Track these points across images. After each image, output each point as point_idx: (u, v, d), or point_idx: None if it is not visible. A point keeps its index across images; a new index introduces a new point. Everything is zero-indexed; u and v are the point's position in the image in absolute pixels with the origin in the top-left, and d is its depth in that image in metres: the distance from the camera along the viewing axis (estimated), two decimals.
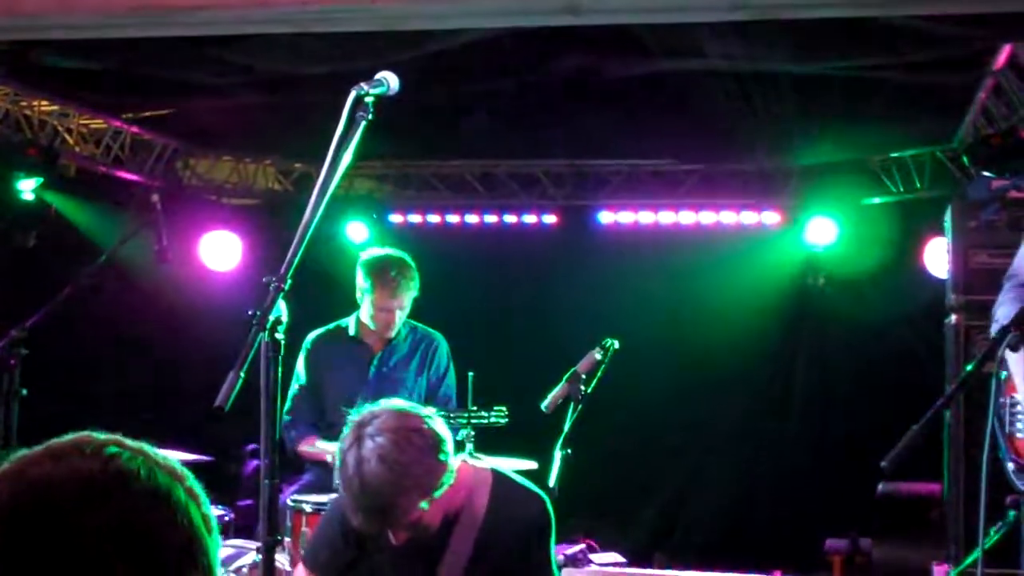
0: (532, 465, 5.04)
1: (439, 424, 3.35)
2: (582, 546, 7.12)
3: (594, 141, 8.96)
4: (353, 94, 3.03)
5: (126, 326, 9.12)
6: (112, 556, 1.31)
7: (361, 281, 5.58)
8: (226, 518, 5.61)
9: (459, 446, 4.62)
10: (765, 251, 9.45)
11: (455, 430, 4.64)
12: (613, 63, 7.02)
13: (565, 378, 4.61)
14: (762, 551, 8.42)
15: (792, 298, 9.47)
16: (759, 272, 9.42)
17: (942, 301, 6.56)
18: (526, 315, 9.49)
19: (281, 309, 2.86)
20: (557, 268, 9.65)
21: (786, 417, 9.45)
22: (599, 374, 4.63)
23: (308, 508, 4.79)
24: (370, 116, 3.02)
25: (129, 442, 1.42)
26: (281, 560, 4.62)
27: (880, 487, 7.22)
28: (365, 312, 5.63)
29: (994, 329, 3.63)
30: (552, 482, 4.35)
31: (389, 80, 3.09)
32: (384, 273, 5.51)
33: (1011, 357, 3.22)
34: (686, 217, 9.58)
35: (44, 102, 8.35)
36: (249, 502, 7.47)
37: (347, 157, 3.00)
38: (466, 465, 3.51)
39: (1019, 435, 3.62)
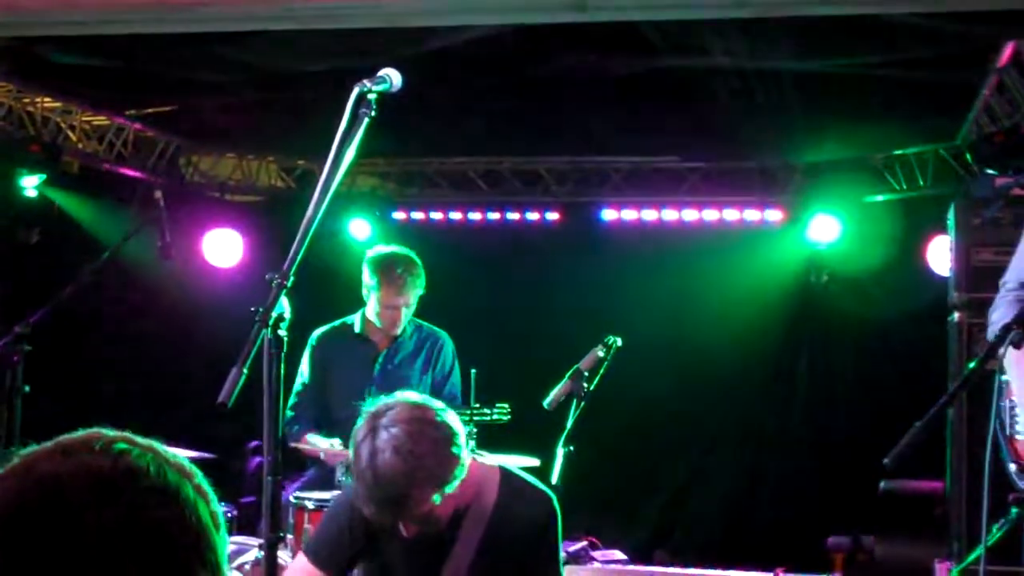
0: (535, 462, 5.05)
1: (453, 417, 3.37)
2: (584, 543, 7.12)
3: (597, 138, 8.95)
4: (356, 91, 3.03)
5: (129, 323, 9.12)
6: (120, 553, 1.31)
7: (367, 278, 5.57)
8: (229, 515, 5.61)
9: None
10: (768, 249, 9.44)
11: None
12: (616, 60, 7.01)
13: (568, 375, 4.61)
14: (764, 548, 8.42)
15: (795, 296, 9.46)
16: (762, 270, 9.41)
17: (945, 299, 6.55)
18: (529, 312, 9.48)
19: (284, 306, 2.87)
20: (560, 265, 9.64)
21: (788, 414, 9.44)
22: (602, 371, 4.63)
23: (311, 505, 4.80)
24: (373, 113, 3.02)
25: (139, 439, 1.42)
26: (283, 557, 4.63)
27: (883, 484, 7.22)
28: (371, 309, 5.62)
29: (991, 332, 3.63)
30: (555, 479, 4.35)
31: (392, 77, 3.09)
32: (390, 270, 5.50)
33: (1007, 361, 3.22)
34: (689, 214, 9.57)
35: (47, 99, 8.35)
36: (252, 499, 7.48)
37: (350, 154, 3.00)
38: (474, 461, 3.52)
39: (1019, 437, 3.62)
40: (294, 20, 5.71)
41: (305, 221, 2.95)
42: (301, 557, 3.64)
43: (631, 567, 7.19)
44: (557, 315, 9.12)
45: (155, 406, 8.39)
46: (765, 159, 9.36)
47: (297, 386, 5.68)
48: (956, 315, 6.30)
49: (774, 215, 9.42)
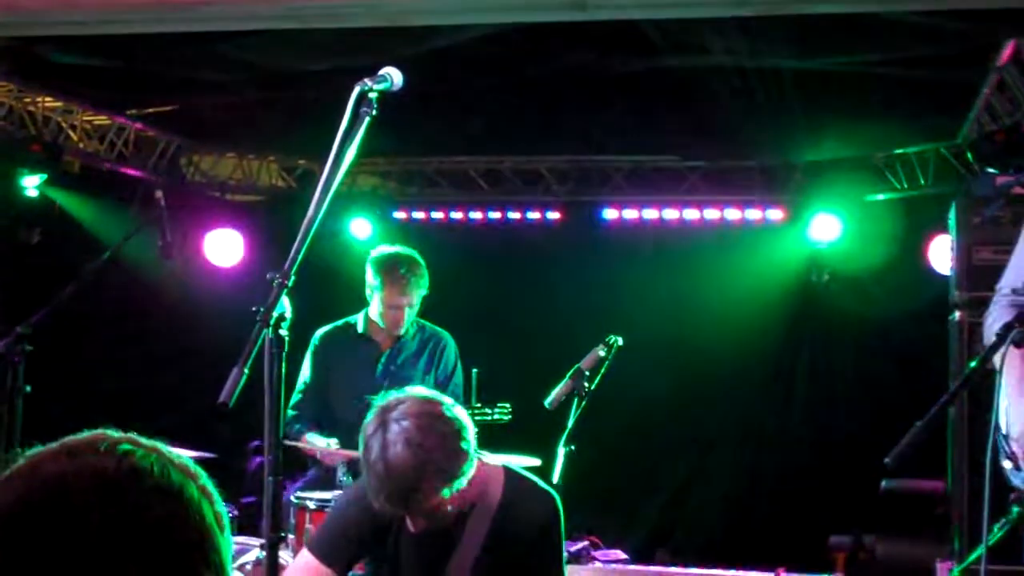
0: (536, 462, 5.04)
1: (462, 413, 3.41)
2: (585, 543, 7.12)
3: (597, 137, 8.95)
4: (357, 90, 3.03)
5: (130, 323, 9.13)
6: (124, 553, 1.31)
7: (370, 278, 5.54)
8: (230, 515, 5.60)
9: None
10: (769, 248, 9.44)
11: None
12: (616, 59, 7.01)
13: (569, 375, 4.61)
14: (765, 548, 8.42)
15: (796, 295, 9.46)
16: (763, 269, 9.41)
17: (946, 298, 6.55)
18: (530, 312, 9.48)
19: (285, 305, 2.86)
20: (561, 265, 9.64)
21: (789, 414, 9.44)
22: (603, 371, 4.63)
23: (312, 505, 4.79)
24: (374, 112, 3.02)
25: (143, 440, 1.42)
26: (285, 557, 4.63)
27: (884, 484, 7.22)
28: (374, 309, 5.60)
29: (987, 336, 3.63)
30: (556, 479, 4.35)
31: (393, 76, 3.09)
32: (394, 270, 5.48)
33: (997, 358, 3.21)
34: (689, 214, 9.57)
35: (48, 98, 8.36)
36: (253, 499, 7.49)
37: (351, 153, 3.00)
38: (479, 461, 3.54)
39: (1012, 435, 3.61)
40: (296, 19, 5.72)
41: (306, 221, 2.95)
42: (305, 552, 3.65)
43: (632, 567, 7.19)
44: (558, 314, 9.12)
45: (156, 406, 8.40)
46: (766, 158, 9.36)
47: (299, 385, 5.67)
48: (957, 314, 6.30)
49: (775, 214, 9.42)
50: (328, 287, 7.44)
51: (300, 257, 2.92)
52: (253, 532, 5.55)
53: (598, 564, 7.06)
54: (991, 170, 6.73)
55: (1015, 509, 3.62)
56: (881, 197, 9.14)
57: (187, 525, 1.37)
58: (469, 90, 7.79)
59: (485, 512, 3.49)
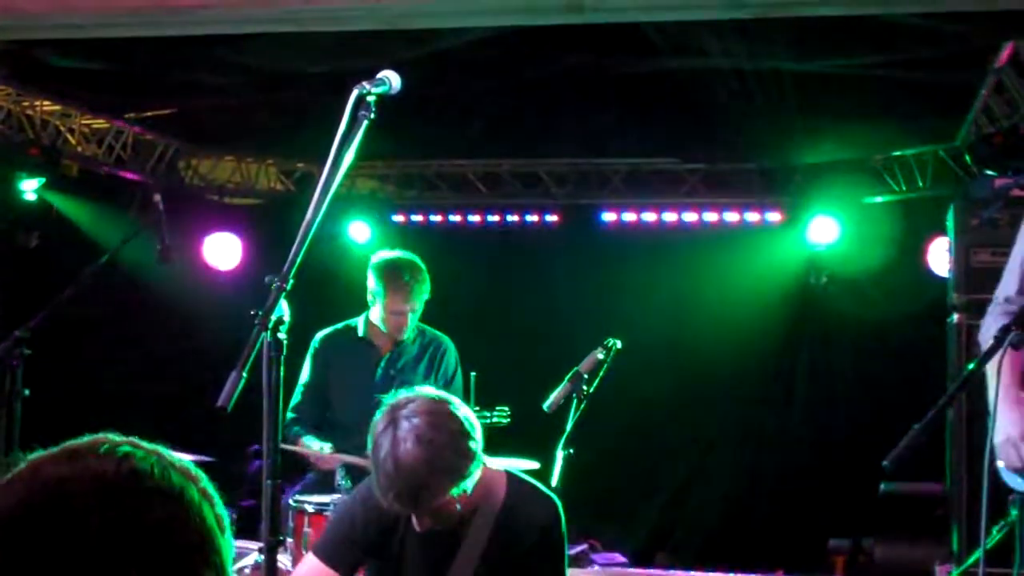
0: (535, 465, 5.04)
1: (470, 414, 3.44)
2: (584, 546, 7.12)
3: (596, 140, 8.95)
4: (355, 93, 3.03)
5: (128, 326, 9.12)
6: (125, 555, 1.32)
7: (372, 284, 5.52)
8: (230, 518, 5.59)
9: None
10: (767, 250, 9.45)
11: None
12: (615, 62, 7.02)
13: (567, 378, 4.61)
14: (764, 551, 8.43)
15: (794, 297, 9.47)
16: (761, 271, 9.42)
17: (944, 300, 6.55)
18: (528, 315, 9.49)
19: (283, 309, 2.86)
20: (559, 267, 9.64)
21: (788, 416, 9.44)
22: (601, 374, 4.63)
23: (310, 508, 4.79)
24: (372, 115, 3.02)
25: (144, 443, 1.42)
26: (283, 560, 4.62)
27: (883, 486, 7.22)
28: (376, 314, 5.58)
29: (983, 340, 3.64)
30: (554, 482, 4.35)
31: (391, 79, 3.09)
32: (397, 277, 5.46)
33: (991, 365, 3.22)
34: (688, 216, 9.58)
35: (46, 102, 8.36)
36: (251, 502, 7.48)
37: (349, 156, 3.00)
38: (480, 468, 3.55)
39: (996, 440, 3.61)
40: (294, 23, 5.71)
41: (304, 224, 2.95)
42: (311, 556, 3.66)
43: (632, 570, 7.20)
44: (557, 317, 9.12)
45: (155, 409, 8.40)
46: (764, 160, 9.36)
47: (299, 387, 5.66)
48: (955, 316, 6.30)
49: (773, 216, 9.43)
50: (327, 290, 7.44)
51: (299, 260, 2.92)
52: (252, 536, 5.54)
53: (597, 567, 7.06)
54: (989, 172, 6.73)
55: (1014, 511, 3.62)
56: (879, 199, 9.14)
57: (188, 527, 1.37)
58: (468, 93, 7.79)
59: (488, 515, 3.51)
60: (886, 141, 8.79)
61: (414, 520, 3.41)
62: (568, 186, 9.87)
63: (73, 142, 8.68)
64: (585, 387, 4.57)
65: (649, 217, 9.67)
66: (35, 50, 6.88)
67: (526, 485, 3.65)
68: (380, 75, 3.09)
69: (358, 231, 9.86)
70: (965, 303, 6.23)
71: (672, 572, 7.58)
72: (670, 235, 9.57)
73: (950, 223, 6.49)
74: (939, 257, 7.99)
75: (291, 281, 2.89)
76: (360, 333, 5.67)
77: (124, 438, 1.42)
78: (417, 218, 10.11)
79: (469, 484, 3.36)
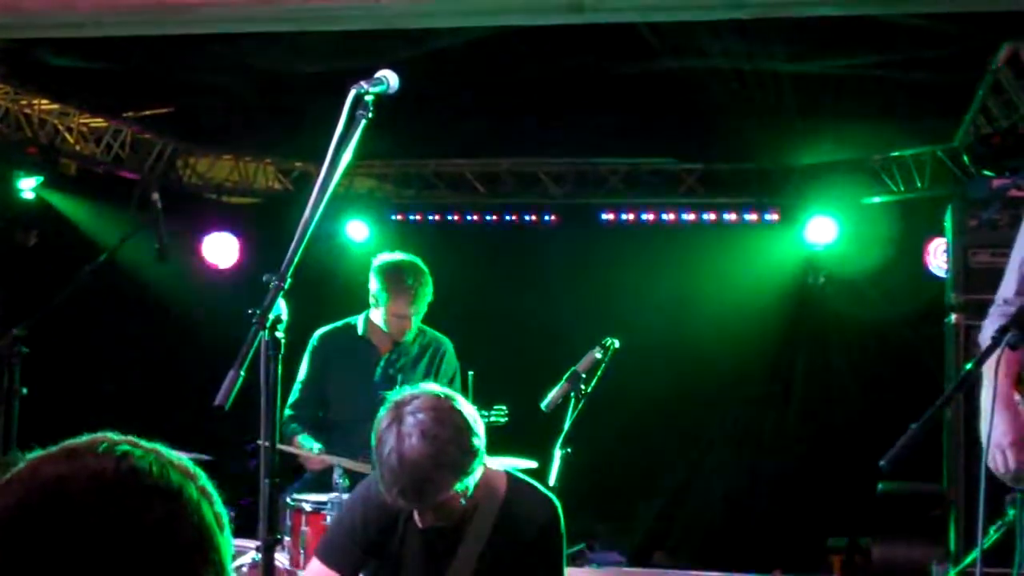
0: (532, 464, 5.05)
1: (473, 410, 3.46)
2: (582, 545, 7.13)
3: (594, 140, 8.96)
4: (353, 92, 3.03)
5: (126, 325, 9.13)
6: (124, 553, 1.32)
7: (375, 287, 5.49)
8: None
9: None
10: (765, 250, 9.45)
11: None
12: (614, 62, 7.02)
13: (565, 377, 4.60)
14: (762, 550, 8.43)
15: (792, 297, 9.47)
16: (759, 271, 9.42)
17: (942, 300, 6.56)
18: (526, 314, 9.48)
19: (281, 308, 2.86)
20: (557, 267, 9.65)
21: (786, 416, 9.45)
22: (599, 373, 4.63)
23: (308, 507, 4.79)
24: (370, 114, 3.02)
25: (143, 442, 1.43)
26: (281, 559, 4.62)
27: (880, 486, 7.22)
28: (378, 315, 5.55)
29: (983, 341, 3.64)
30: (552, 481, 4.35)
31: (389, 78, 3.09)
32: (400, 281, 5.43)
33: (988, 366, 3.22)
34: (686, 216, 9.58)
35: (44, 101, 8.36)
36: (249, 501, 7.47)
37: (347, 156, 3.00)
38: (482, 465, 3.56)
39: (981, 439, 3.62)
40: (292, 22, 5.70)
41: (302, 223, 2.95)
42: (315, 561, 3.68)
43: (629, 569, 7.20)
44: (555, 317, 9.12)
45: (152, 408, 8.40)
46: (763, 160, 9.37)
47: (296, 385, 5.65)
48: (953, 316, 6.30)
49: (771, 216, 9.43)
50: (325, 289, 7.45)
51: (296, 259, 2.92)
52: (249, 534, 5.54)
53: (594, 566, 7.06)
54: (987, 173, 6.74)
55: (1011, 511, 3.62)
56: (877, 200, 9.15)
57: (186, 525, 1.38)
58: (466, 93, 7.79)
59: (488, 514, 3.53)
60: (884, 141, 8.80)
61: (416, 516, 3.42)
62: (566, 186, 9.88)
63: (71, 141, 8.68)
64: (583, 386, 4.56)
65: (647, 217, 9.67)
66: (34, 49, 6.88)
67: (526, 485, 3.66)
68: (378, 74, 3.09)
69: (356, 230, 9.86)
70: (963, 303, 6.23)
71: (670, 571, 7.59)
72: (668, 235, 9.57)
73: (948, 223, 6.50)
74: (937, 257, 8.00)
75: (289, 280, 2.89)
76: (360, 332, 5.65)
77: (123, 437, 1.43)
78: (415, 217, 10.11)
79: (472, 481, 3.38)
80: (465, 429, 3.35)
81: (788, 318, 9.52)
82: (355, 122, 3.00)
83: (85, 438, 1.42)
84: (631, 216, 9.71)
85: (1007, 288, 3.77)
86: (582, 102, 7.98)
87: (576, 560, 6.98)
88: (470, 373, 5.46)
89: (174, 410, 8.23)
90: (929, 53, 6.46)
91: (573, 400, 4.54)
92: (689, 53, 6.67)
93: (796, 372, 9.54)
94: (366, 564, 3.64)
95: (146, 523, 1.34)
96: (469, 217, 10.05)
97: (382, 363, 5.64)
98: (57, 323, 5.26)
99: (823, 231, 9.10)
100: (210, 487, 1.45)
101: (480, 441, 3.39)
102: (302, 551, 4.62)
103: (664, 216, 9.63)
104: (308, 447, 5.24)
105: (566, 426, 4.50)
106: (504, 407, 5.37)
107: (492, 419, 5.25)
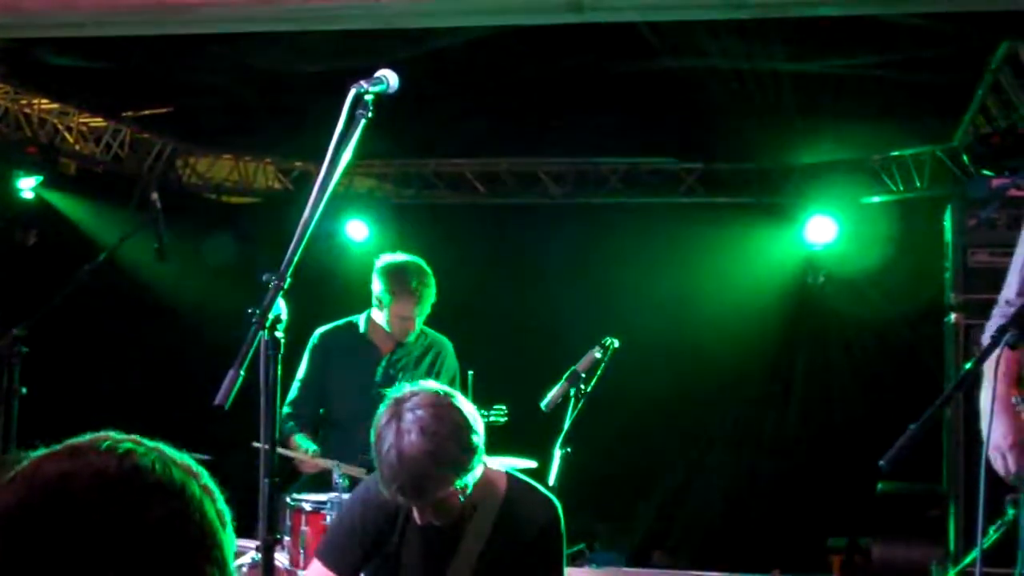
0: (532, 464, 5.04)
1: (472, 408, 3.46)
2: (582, 545, 7.13)
3: (594, 139, 8.96)
4: (353, 92, 3.03)
5: (126, 324, 9.12)
6: (126, 551, 1.32)
7: (378, 289, 5.48)
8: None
9: None
10: (765, 250, 9.45)
11: None
12: (614, 61, 7.02)
13: (565, 377, 4.61)
14: (761, 550, 8.43)
15: (792, 296, 9.47)
16: (759, 271, 9.42)
17: (942, 300, 6.56)
18: (526, 314, 9.48)
19: (281, 307, 2.86)
20: (557, 266, 9.64)
21: (785, 416, 9.45)
22: (599, 373, 4.63)
23: (307, 507, 4.79)
24: (370, 114, 3.02)
25: (145, 440, 1.43)
26: (280, 559, 4.62)
27: (880, 486, 7.22)
28: (381, 316, 5.55)
29: (984, 342, 3.65)
30: (552, 481, 4.35)
31: (389, 78, 3.09)
32: (405, 283, 5.42)
33: (988, 365, 3.22)
34: (686, 216, 9.57)
35: (44, 100, 8.36)
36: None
37: (347, 155, 3.00)
38: (482, 464, 3.56)
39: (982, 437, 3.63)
40: (292, 22, 5.70)
41: (302, 222, 2.95)
42: (316, 562, 3.68)
43: (628, 569, 7.20)
44: (554, 316, 9.11)
45: (152, 407, 8.38)
46: (762, 160, 9.37)
47: (296, 383, 5.64)
48: (952, 316, 6.31)
49: (771, 216, 9.42)
50: (324, 289, 7.44)
51: (296, 259, 2.92)
52: (249, 534, 5.54)
53: (593, 566, 7.06)
54: (987, 172, 6.74)
55: (1011, 511, 3.62)
56: (877, 199, 9.15)
57: (189, 523, 1.38)
58: (466, 92, 7.79)
59: (488, 513, 3.53)
60: (884, 141, 8.80)
61: (415, 513, 3.41)
62: (566, 186, 9.88)
63: (71, 140, 8.68)
64: (583, 386, 4.57)
65: (647, 217, 9.67)
66: (34, 48, 6.88)
67: (526, 485, 3.66)
68: (378, 74, 3.09)
69: (356, 230, 9.86)
70: (962, 303, 6.24)
71: (670, 571, 7.59)
72: (667, 235, 9.56)
73: (948, 223, 6.50)
74: (936, 257, 8.00)
75: (288, 279, 2.89)
76: (362, 331, 5.64)
77: (125, 435, 1.43)
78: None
79: (471, 478, 3.37)
80: (464, 426, 3.35)
81: (788, 318, 9.52)
82: (355, 122, 3.00)
83: (87, 436, 1.42)
84: (631, 216, 9.70)
85: (1009, 289, 3.77)
86: (582, 102, 7.98)
87: (576, 560, 6.98)
88: (470, 373, 5.46)
89: (174, 409, 8.23)
90: (929, 53, 6.46)
91: (573, 400, 4.54)
92: (689, 53, 6.67)
93: (796, 372, 9.54)
94: (366, 564, 3.64)
95: (149, 521, 1.35)
96: (468, 217, 10.04)
97: (383, 363, 5.63)
98: (57, 323, 5.25)
99: (823, 231, 9.10)
100: (212, 485, 1.45)
101: (479, 438, 3.39)
102: (302, 551, 4.62)
103: (664, 216, 9.62)
104: (305, 448, 5.24)
105: (566, 426, 4.50)
106: (504, 407, 5.37)
107: (492, 419, 5.24)
